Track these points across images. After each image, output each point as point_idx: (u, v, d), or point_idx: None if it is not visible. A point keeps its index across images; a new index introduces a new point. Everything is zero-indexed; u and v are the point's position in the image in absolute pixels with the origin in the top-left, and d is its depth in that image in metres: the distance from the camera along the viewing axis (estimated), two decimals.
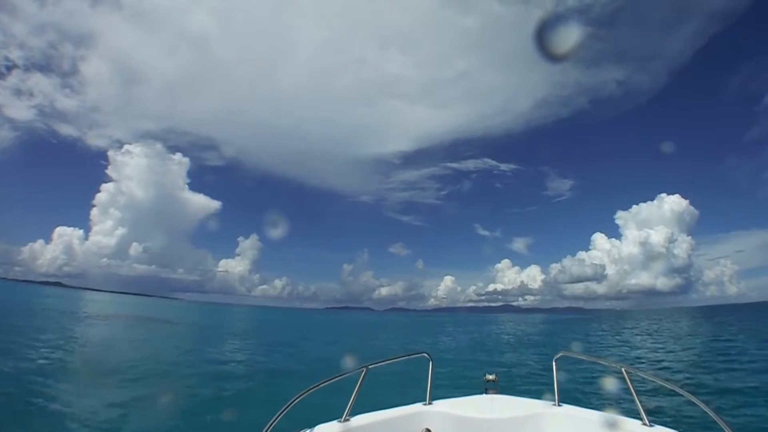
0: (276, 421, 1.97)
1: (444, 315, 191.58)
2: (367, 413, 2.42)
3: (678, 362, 13.84)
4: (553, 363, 2.82)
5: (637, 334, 27.66)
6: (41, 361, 10.81)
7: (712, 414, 1.96)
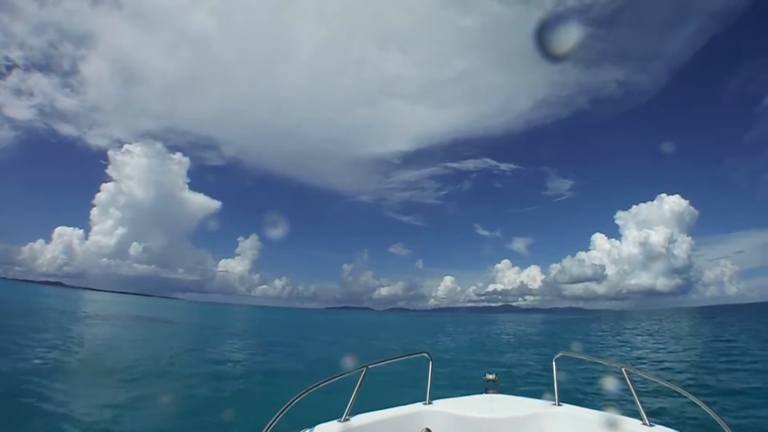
0: (276, 421, 1.97)
1: (444, 315, 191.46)
2: (367, 413, 2.42)
3: (680, 363, 13.77)
4: (553, 363, 2.82)
5: (637, 335, 27.62)
6: (39, 361, 10.76)
7: (712, 414, 1.96)
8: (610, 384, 6.20)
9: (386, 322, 68.62)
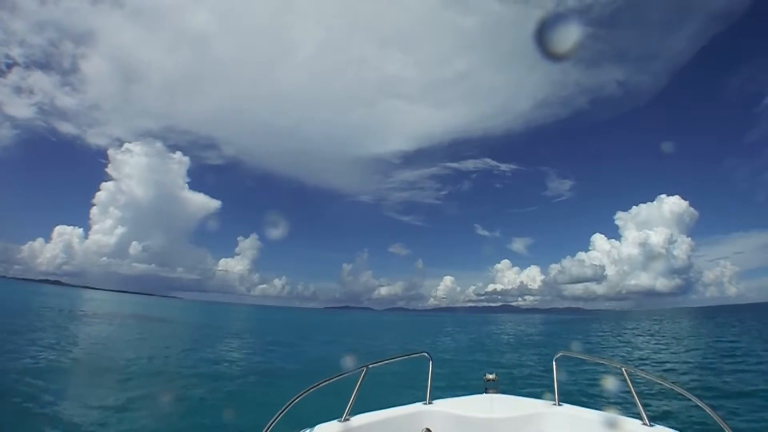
0: (276, 421, 1.95)
1: (443, 315, 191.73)
2: (368, 413, 2.40)
3: (684, 364, 13.64)
4: (553, 362, 2.81)
5: (638, 335, 27.54)
6: (31, 361, 10.63)
7: (712, 413, 1.94)
8: (610, 384, 6.19)
9: (386, 321, 68.69)
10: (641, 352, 17.82)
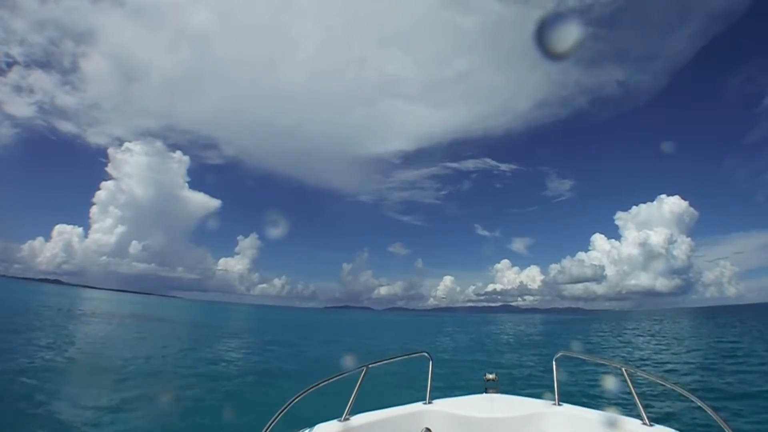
0: (276, 420, 1.95)
1: (443, 315, 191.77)
2: (368, 412, 2.40)
3: (685, 364, 13.55)
4: (553, 362, 2.79)
5: (638, 335, 27.47)
6: (32, 360, 10.55)
7: (711, 413, 1.94)
8: (610, 384, 6.18)
9: (386, 321, 68.69)
10: (642, 353, 17.74)
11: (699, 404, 2.05)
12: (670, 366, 13.36)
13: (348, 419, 2.27)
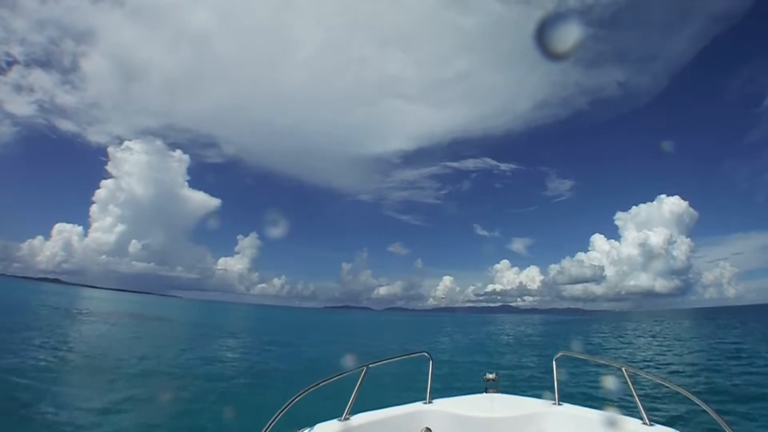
0: (276, 420, 1.94)
1: (443, 315, 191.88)
2: (368, 412, 2.40)
3: (689, 366, 13.40)
4: (554, 362, 2.80)
5: (639, 336, 27.40)
6: (29, 360, 10.43)
7: (712, 413, 1.93)
8: (610, 383, 6.18)
9: (385, 321, 68.71)
10: (645, 354, 17.63)
11: (699, 404, 2.04)
12: (674, 367, 13.24)
13: (348, 419, 2.27)
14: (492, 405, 2.59)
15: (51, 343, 13.79)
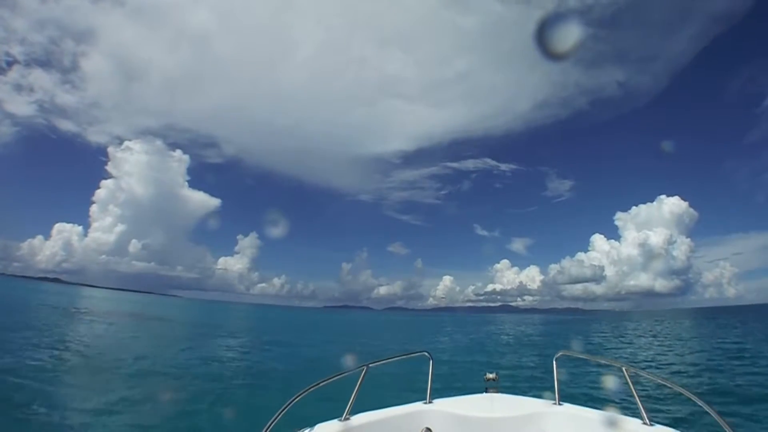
0: (276, 420, 1.94)
1: (443, 315, 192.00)
2: (368, 412, 2.40)
3: (691, 366, 13.30)
4: (554, 362, 2.80)
5: (640, 336, 27.34)
6: (27, 359, 10.36)
7: (712, 413, 1.93)
8: (610, 383, 6.17)
9: (385, 321, 68.75)
10: (646, 353, 17.55)
11: (699, 404, 2.03)
12: (676, 368, 13.16)
13: (348, 419, 2.26)
14: (492, 405, 2.58)
15: (50, 342, 13.74)
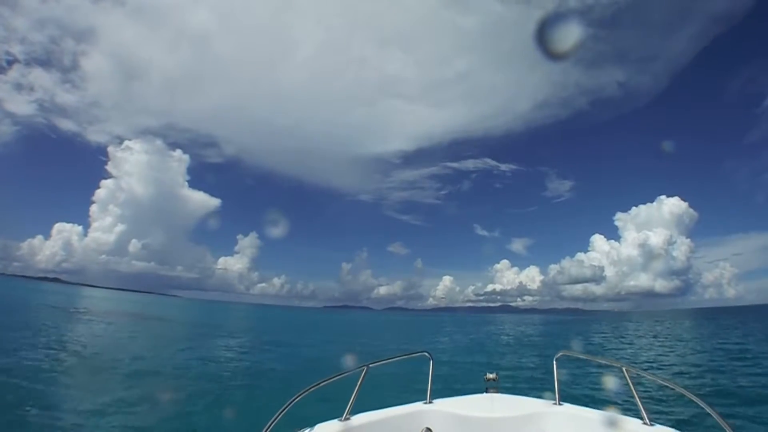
0: (276, 420, 1.94)
1: (443, 315, 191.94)
2: (368, 412, 2.39)
3: (693, 367, 13.22)
4: (554, 362, 2.79)
5: (641, 336, 27.30)
6: (25, 359, 10.33)
7: (712, 413, 1.92)
8: (610, 383, 6.16)
9: (385, 321, 68.77)
10: (647, 354, 17.51)
11: (699, 404, 2.03)
12: (676, 368, 13.11)
13: (348, 419, 2.26)
14: (492, 405, 2.58)
15: (48, 342, 13.70)
